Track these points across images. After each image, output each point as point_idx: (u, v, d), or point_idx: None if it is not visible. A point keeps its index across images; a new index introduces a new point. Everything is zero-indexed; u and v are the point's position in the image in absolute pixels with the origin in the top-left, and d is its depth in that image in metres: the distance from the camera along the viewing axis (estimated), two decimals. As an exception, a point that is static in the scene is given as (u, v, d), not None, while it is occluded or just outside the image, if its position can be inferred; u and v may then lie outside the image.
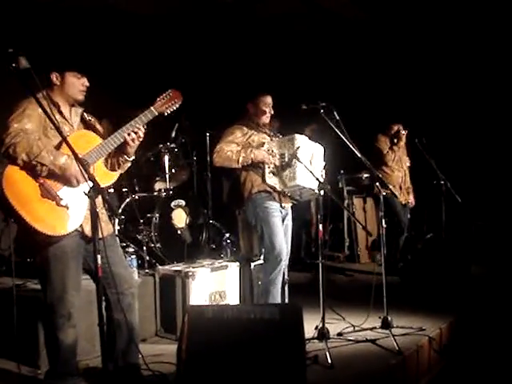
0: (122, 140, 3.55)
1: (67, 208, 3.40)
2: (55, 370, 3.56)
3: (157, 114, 3.65)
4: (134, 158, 3.72)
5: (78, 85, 3.58)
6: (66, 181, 3.41)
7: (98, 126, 3.77)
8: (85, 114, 3.71)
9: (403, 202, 7.16)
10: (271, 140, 5.04)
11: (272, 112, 5.14)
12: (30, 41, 5.95)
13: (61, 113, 3.57)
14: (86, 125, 3.70)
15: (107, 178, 3.69)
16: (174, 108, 3.72)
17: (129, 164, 3.74)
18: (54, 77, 3.56)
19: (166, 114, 3.71)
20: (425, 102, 8.71)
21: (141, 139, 3.61)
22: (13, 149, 3.29)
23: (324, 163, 5.04)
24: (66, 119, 3.59)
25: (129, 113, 5.36)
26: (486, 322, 5.57)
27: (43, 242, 3.40)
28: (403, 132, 7.11)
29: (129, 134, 3.55)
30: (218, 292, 5.01)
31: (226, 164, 4.98)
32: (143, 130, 3.60)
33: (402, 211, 7.18)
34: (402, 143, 7.20)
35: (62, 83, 3.56)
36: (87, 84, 3.61)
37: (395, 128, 7.21)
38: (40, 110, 3.11)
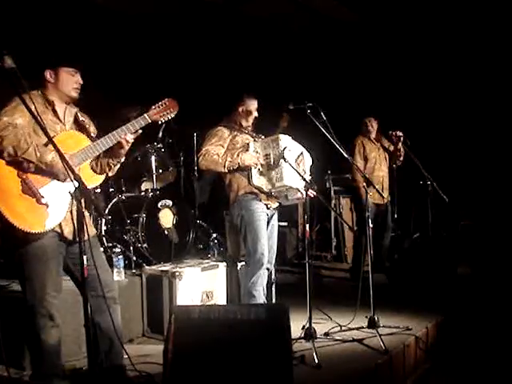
0: (110, 144, 3.54)
1: (47, 206, 3.38)
2: (40, 372, 3.54)
3: (150, 121, 3.65)
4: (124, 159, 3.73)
5: (71, 82, 3.59)
6: (53, 176, 3.40)
7: (92, 128, 3.76)
8: (78, 114, 3.71)
9: (379, 202, 6.90)
10: (255, 141, 5.04)
11: (255, 115, 5.13)
12: (23, 41, 5.94)
13: (54, 112, 3.57)
14: (79, 125, 3.69)
15: (93, 179, 3.68)
16: (170, 117, 3.73)
17: (118, 166, 3.74)
18: (48, 74, 3.56)
19: (160, 122, 3.71)
20: (410, 102, 8.73)
21: (129, 144, 3.60)
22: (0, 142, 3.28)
23: (311, 176, 5.04)
24: (58, 118, 3.59)
25: (119, 111, 5.40)
26: (472, 321, 5.60)
27: (22, 239, 3.37)
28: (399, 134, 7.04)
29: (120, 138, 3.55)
30: (205, 292, 5.01)
31: (211, 167, 4.96)
32: (133, 137, 3.59)
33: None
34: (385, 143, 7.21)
35: (56, 80, 3.56)
36: (81, 81, 3.62)
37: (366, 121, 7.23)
38: (33, 106, 3.09)
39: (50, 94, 3.58)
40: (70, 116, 3.67)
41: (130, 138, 3.58)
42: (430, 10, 7.63)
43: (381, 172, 7.11)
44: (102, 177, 3.74)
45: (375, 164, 7.09)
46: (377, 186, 6.72)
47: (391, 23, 8.15)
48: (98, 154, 3.56)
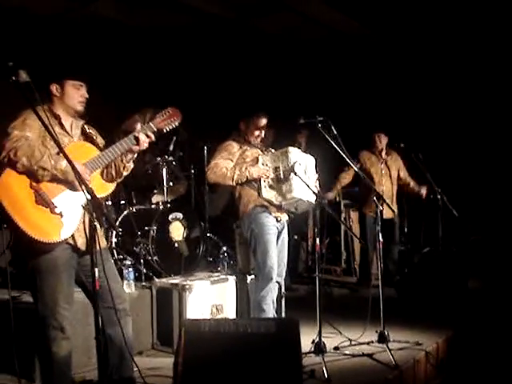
0: (119, 153, 3.59)
1: (61, 216, 3.40)
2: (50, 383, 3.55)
3: (155, 129, 3.71)
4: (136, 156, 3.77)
5: (77, 96, 3.63)
6: (68, 184, 3.42)
7: (99, 139, 3.80)
8: (85, 126, 3.75)
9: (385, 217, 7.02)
10: (264, 154, 5.05)
11: (263, 135, 5.13)
12: (31, 55, 6.01)
13: (61, 125, 3.61)
14: (87, 137, 3.74)
15: (104, 188, 3.72)
16: (173, 126, 3.78)
17: (132, 165, 3.77)
18: (54, 88, 3.60)
19: (164, 130, 3.77)
20: (420, 116, 8.73)
21: (147, 141, 3.66)
22: (14, 153, 3.31)
23: (317, 175, 5.06)
24: (66, 131, 3.63)
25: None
26: (483, 336, 5.56)
27: (34, 251, 3.39)
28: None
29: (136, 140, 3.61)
30: (214, 305, 5.01)
31: (220, 181, 4.98)
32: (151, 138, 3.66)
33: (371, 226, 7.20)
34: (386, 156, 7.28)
35: (62, 94, 3.61)
36: (86, 95, 3.66)
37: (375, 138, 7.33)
38: (44, 119, 3.14)
39: (56, 107, 3.62)
40: (77, 129, 3.72)
41: (151, 136, 3.65)
42: (441, 24, 7.64)
43: (381, 186, 7.13)
44: (113, 185, 3.79)
45: (378, 178, 7.13)
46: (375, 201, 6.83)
47: (402, 37, 8.15)
48: (108, 162, 3.60)
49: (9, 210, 3.29)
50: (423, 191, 7.15)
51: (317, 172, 5.08)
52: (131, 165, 3.76)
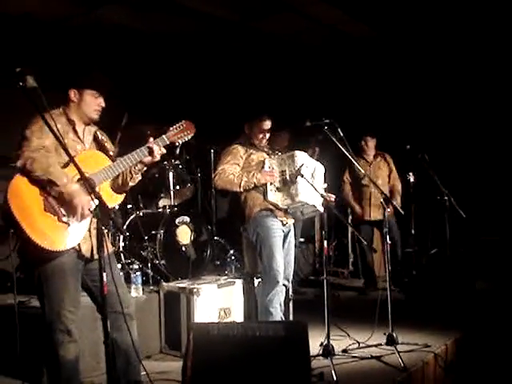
0: (130, 164, 3.59)
1: (68, 225, 3.41)
2: (58, 387, 3.55)
3: (168, 142, 3.72)
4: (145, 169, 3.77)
5: (94, 104, 3.63)
6: (71, 208, 3.38)
7: (108, 145, 3.80)
8: (98, 132, 3.75)
9: (374, 219, 7.19)
10: (270, 157, 5.05)
11: (267, 137, 5.13)
12: (47, 60, 6.04)
13: (75, 131, 3.61)
14: (99, 144, 3.73)
15: (112, 200, 3.72)
16: (187, 139, 3.79)
17: (140, 177, 3.77)
18: (72, 93, 3.60)
19: (177, 143, 3.77)
20: (427, 117, 8.72)
21: (160, 153, 3.67)
22: (30, 163, 3.31)
23: (326, 184, 5.05)
24: (79, 138, 3.63)
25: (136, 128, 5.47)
26: (492, 337, 5.54)
27: (42, 257, 3.39)
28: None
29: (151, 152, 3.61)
30: (222, 309, 5.02)
31: (227, 187, 4.98)
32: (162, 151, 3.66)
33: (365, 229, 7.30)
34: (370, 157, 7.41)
35: (80, 100, 3.61)
36: (103, 104, 3.66)
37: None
38: (58, 125, 3.17)
39: (71, 113, 3.62)
40: (89, 135, 3.72)
41: (163, 150, 3.65)
42: (448, 25, 7.63)
43: (369, 188, 7.15)
44: (122, 196, 3.78)
45: (366, 181, 7.16)
46: (365, 202, 6.91)
47: (411, 39, 8.14)
48: (117, 174, 3.60)
49: (17, 215, 3.29)
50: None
51: (325, 181, 5.07)
52: (139, 177, 3.75)
